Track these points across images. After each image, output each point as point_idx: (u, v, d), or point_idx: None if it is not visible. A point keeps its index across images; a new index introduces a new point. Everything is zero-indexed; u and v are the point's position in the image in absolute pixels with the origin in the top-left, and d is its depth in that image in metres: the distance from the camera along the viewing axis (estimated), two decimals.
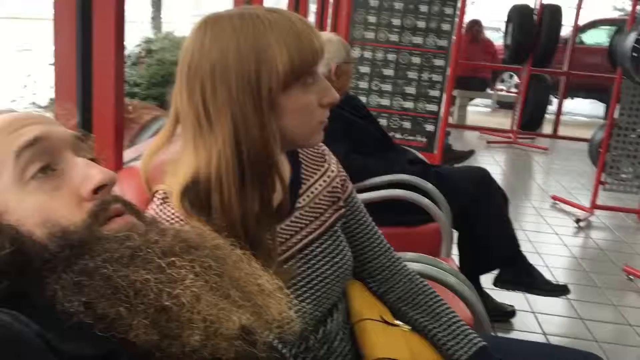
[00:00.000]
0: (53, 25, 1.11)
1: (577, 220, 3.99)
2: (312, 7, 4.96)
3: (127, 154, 1.29)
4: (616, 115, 3.99)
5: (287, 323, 0.64)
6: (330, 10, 5.48)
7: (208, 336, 0.54)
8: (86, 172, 0.63)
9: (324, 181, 1.07)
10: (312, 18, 4.91)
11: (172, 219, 0.90)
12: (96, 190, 0.62)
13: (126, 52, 4.11)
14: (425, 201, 2.01)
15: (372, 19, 3.50)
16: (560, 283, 2.48)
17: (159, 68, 5.23)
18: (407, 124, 3.54)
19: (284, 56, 0.84)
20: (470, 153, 4.90)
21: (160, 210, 0.92)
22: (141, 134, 1.69)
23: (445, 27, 3.46)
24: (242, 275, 0.63)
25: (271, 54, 0.84)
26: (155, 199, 0.94)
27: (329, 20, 5.42)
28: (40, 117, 0.66)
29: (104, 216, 0.62)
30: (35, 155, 0.61)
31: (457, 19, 3.47)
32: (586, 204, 4.18)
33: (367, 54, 3.51)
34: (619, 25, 5.03)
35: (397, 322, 1.11)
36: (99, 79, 1.12)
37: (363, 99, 3.49)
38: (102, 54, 1.11)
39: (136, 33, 6.13)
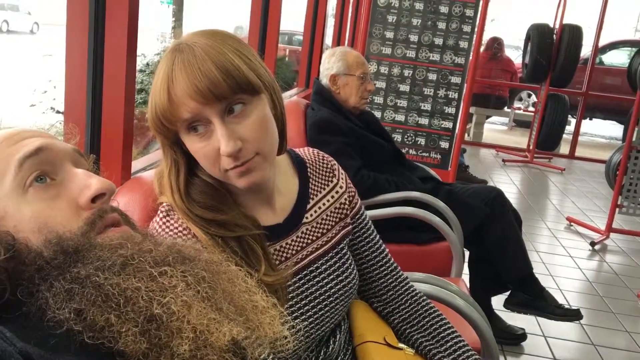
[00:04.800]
0: (65, 33, 1.12)
1: (592, 243, 3.93)
2: (331, 21, 4.98)
3: (136, 164, 1.29)
4: (634, 137, 3.93)
5: (281, 340, 0.63)
6: (348, 25, 5.51)
7: (197, 346, 0.54)
8: (85, 182, 0.64)
9: (332, 197, 1.06)
10: (330, 31, 4.92)
11: (177, 232, 0.90)
12: (94, 200, 0.63)
13: (146, 61, 4.15)
14: (436, 219, 1.98)
15: (389, 34, 3.50)
16: (573, 307, 2.43)
17: None
18: (421, 141, 3.52)
19: (149, 107, 0.87)
20: (483, 182, 4.88)
21: (164, 223, 0.91)
22: (155, 142, 1.70)
23: (463, 44, 3.44)
24: (236, 290, 0.63)
25: (152, 95, 0.86)
26: (159, 212, 0.93)
27: (347, 35, 5.44)
28: (42, 132, 0.69)
29: (100, 224, 0.62)
30: (37, 165, 0.62)
31: (475, 37, 3.45)
32: (602, 226, 4.12)
33: (384, 69, 3.50)
34: (639, 47, 4.99)
35: (401, 345, 1.09)
36: (110, 89, 1.12)
37: (378, 114, 3.48)
38: (114, 63, 1.11)
39: (157, 42, 6.20)
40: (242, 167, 0.86)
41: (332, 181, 1.07)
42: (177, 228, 0.90)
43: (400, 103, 3.50)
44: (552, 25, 6.47)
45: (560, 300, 2.52)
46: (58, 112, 3.68)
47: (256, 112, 0.86)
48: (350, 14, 5.57)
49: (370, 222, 1.13)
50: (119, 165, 1.15)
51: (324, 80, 2.36)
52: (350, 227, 1.07)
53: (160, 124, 0.86)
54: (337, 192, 1.07)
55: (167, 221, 0.91)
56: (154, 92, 0.86)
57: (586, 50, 7.29)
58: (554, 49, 6.29)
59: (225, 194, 0.93)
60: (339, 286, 1.01)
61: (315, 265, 1.00)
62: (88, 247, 0.58)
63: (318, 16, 3.79)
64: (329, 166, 1.09)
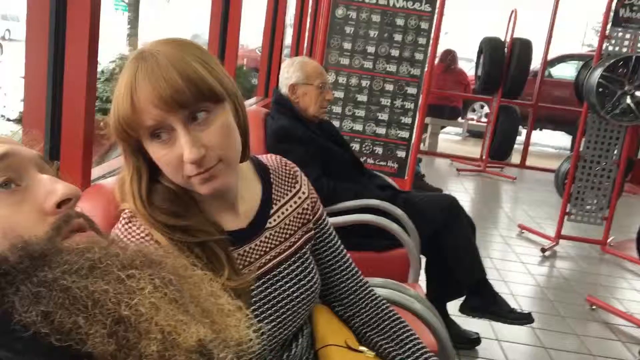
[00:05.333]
0: (25, 39, 1.10)
1: (543, 250, 4.06)
2: (289, 31, 5.02)
3: (96, 171, 1.28)
4: (582, 148, 4.09)
5: (246, 343, 0.65)
6: (306, 35, 5.55)
7: (165, 347, 0.54)
8: (51, 187, 0.65)
9: (295, 202, 1.08)
10: (288, 41, 4.96)
11: (139, 238, 0.90)
12: (60, 205, 0.64)
13: (100, 68, 4.09)
14: (394, 226, 2.03)
15: (347, 45, 3.56)
16: (525, 311, 2.51)
17: None
18: (379, 150, 3.58)
19: (111, 114, 0.87)
20: (439, 190, 4.98)
21: (126, 230, 0.91)
22: (112, 152, 1.67)
23: (419, 56, 3.53)
24: (202, 294, 0.64)
25: (111, 109, 0.87)
26: (121, 218, 0.93)
27: (305, 45, 5.49)
28: (7, 138, 0.68)
29: (66, 229, 0.62)
30: (2, 171, 0.62)
31: (430, 49, 3.54)
32: (552, 233, 4.26)
33: (342, 79, 3.56)
34: (586, 61, 5.20)
35: (362, 347, 1.11)
36: (70, 95, 1.11)
37: (336, 123, 3.52)
38: (74, 69, 1.10)
39: (111, 49, 6.11)
40: (205, 174, 0.87)
41: (294, 187, 1.09)
42: (139, 234, 0.91)
43: (358, 113, 3.56)
44: (503, 39, 6.67)
45: (513, 304, 2.59)
46: (9, 119, 3.58)
47: (219, 120, 0.88)
48: (308, 25, 5.62)
49: (332, 227, 1.15)
50: (79, 173, 1.14)
51: (284, 89, 2.39)
52: (313, 232, 1.09)
53: (122, 131, 0.87)
54: (299, 197, 1.09)
55: (130, 227, 0.92)
56: (116, 100, 0.86)
57: (536, 63, 7.53)
58: (505, 62, 6.49)
59: (188, 200, 0.94)
60: (301, 290, 1.03)
61: (278, 270, 1.01)
62: (55, 251, 0.58)
63: (277, 26, 3.81)
64: (291, 172, 1.11)
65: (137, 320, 0.54)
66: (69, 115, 1.13)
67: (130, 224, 0.92)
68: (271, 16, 3.79)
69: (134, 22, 9.53)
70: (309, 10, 5.55)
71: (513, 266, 3.70)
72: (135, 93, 0.83)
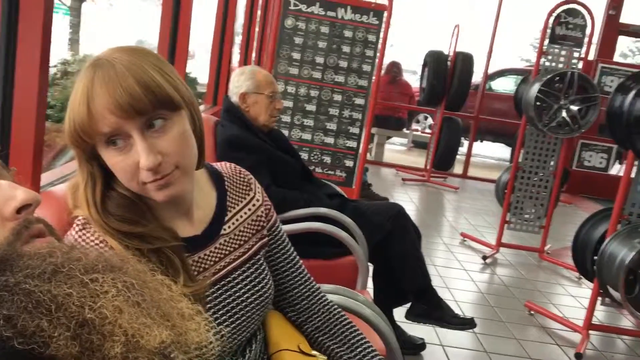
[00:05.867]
0: None
1: (484, 257, 4.19)
2: (238, 39, 5.02)
3: (45, 177, 1.25)
4: (520, 159, 4.26)
5: (206, 346, 0.66)
6: (255, 44, 5.56)
7: (129, 349, 0.55)
8: (10, 193, 0.64)
9: (249, 209, 1.09)
10: (236, 50, 4.95)
11: (93, 245, 0.90)
12: (19, 211, 0.63)
13: None
14: (343, 234, 2.06)
15: (296, 55, 3.59)
16: (468, 317, 2.59)
17: None
18: (327, 159, 3.62)
19: (66, 120, 0.86)
20: (385, 199, 5.08)
21: (80, 237, 0.91)
22: (59, 158, 1.64)
23: (366, 67, 3.60)
24: (162, 298, 0.65)
25: (66, 115, 0.87)
26: (75, 225, 0.93)
27: (254, 54, 5.50)
28: None
29: (26, 235, 0.62)
30: None
31: (377, 61, 3.62)
32: (492, 241, 4.40)
33: (291, 89, 3.59)
34: (524, 75, 5.45)
35: (314, 352, 1.14)
36: (21, 100, 1.09)
37: (285, 132, 3.54)
38: (25, 73, 1.09)
39: (52, 54, 5.95)
40: (162, 181, 0.88)
41: (249, 194, 1.11)
42: (93, 241, 0.91)
43: (307, 122, 3.60)
44: (446, 53, 6.88)
45: (456, 310, 2.67)
46: None
47: (176, 127, 0.89)
48: (257, 34, 5.64)
49: (285, 234, 1.17)
50: (29, 179, 1.12)
51: (234, 97, 2.39)
52: (267, 239, 1.11)
53: (78, 137, 0.86)
54: (254, 205, 1.10)
55: (84, 234, 0.91)
56: (72, 106, 0.86)
57: (477, 77, 7.79)
58: (448, 74, 6.69)
59: (143, 207, 0.94)
60: (255, 296, 1.04)
61: (232, 276, 1.03)
62: (16, 256, 0.58)
63: (226, 34, 3.81)
64: (245, 180, 1.12)
65: (101, 323, 0.55)
66: (19, 121, 1.11)
67: (84, 231, 0.91)
68: (220, 24, 3.79)
69: (76, 27, 9.28)
70: (257, 19, 5.57)
71: (456, 273, 3.81)
72: (92, 100, 0.83)
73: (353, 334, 1.17)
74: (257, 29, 5.63)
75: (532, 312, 3.30)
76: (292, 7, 3.58)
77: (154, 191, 0.89)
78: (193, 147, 0.93)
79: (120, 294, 0.58)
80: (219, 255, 1.02)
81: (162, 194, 0.90)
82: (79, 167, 0.93)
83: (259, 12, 5.59)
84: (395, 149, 9.50)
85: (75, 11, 9.86)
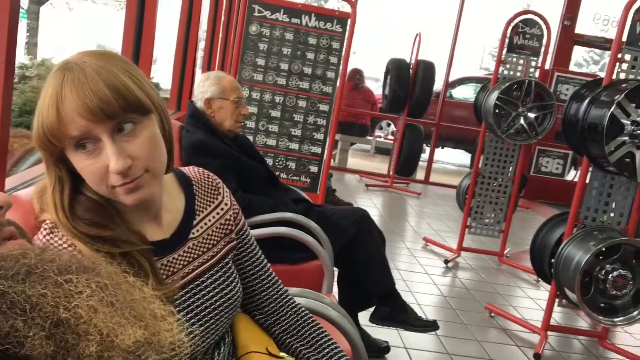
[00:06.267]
0: None
1: (446, 261, 4.27)
2: (201, 45, 5.00)
3: (10, 181, 1.23)
4: (480, 164, 4.36)
5: (179, 347, 0.67)
6: (218, 50, 5.55)
7: (104, 348, 0.56)
8: None
9: (218, 213, 1.10)
10: (199, 56, 4.93)
11: (62, 249, 0.90)
12: None
13: None
14: (309, 239, 2.08)
15: (261, 61, 3.61)
16: (431, 319, 2.63)
17: (33, 95, 4.99)
18: (292, 165, 3.64)
19: (35, 123, 0.87)
20: (349, 204, 5.12)
21: (47, 241, 0.91)
22: (20, 164, 1.62)
23: (330, 74, 3.64)
24: (135, 299, 0.66)
25: (34, 118, 0.87)
26: (42, 229, 0.92)
27: (217, 59, 5.48)
28: None
29: None
30: None
31: (341, 68, 3.66)
32: (454, 245, 4.49)
33: (255, 95, 3.60)
34: (483, 83, 5.60)
35: (282, 354, 1.15)
36: None
37: (250, 138, 3.54)
38: None
39: None
40: (131, 184, 0.89)
41: (217, 198, 1.12)
42: (61, 245, 0.90)
43: (271, 128, 3.61)
44: (408, 60, 6.99)
45: (419, 313, 2.72)
46: None
47: (146, 131, 0.89)
48: (220, 39, 5.62)
49: (253, 238, 1.19)
50: None
51: (199, 103, 2.39)
52: (235, 242, 1.12)
53: (46, 141, 0.86)
54: (222, 208, 1.11)
55: (52, 238, 0.91)
56: (41, 109, 0.86)
57: (438, 85, 7.94)
58: (410, 82, 6.79)
59: (111, 211, 0.94)
60: (224, 299, 1.05)
61: (201, 279, 1.03)
62: None
63: (190, 39, 3.80)
64: (214, 184, 1.13)
65: (75, 323, 0.55)
66: None
67: (52, 235, 0.91)
68: (184, 29, 3.77)
69: (34, 30, 9.08)
70: (221, 25, 5.55)
71: (419, 277, 3.87)
72: (62, 103, 0.84)
73: (320, 336, 1.18)
74: (220, 35, 5.61)
75: (492, 314, 3.38)
76: (256, 14, 3.59)
77: (123, 195, 0.90)
78: (162, 151, 0.94)
79: (95, 294, 0.59)
80: (187, 258, 1.02)
81: (131, 198, 0.90)
82: (46, 170, 0.92)
83: (222, 18, 5.58)
84: (359, 155, 9.58)
85: (33, 14, 9.64)
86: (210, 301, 1.03)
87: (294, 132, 3.62)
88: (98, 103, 0.83)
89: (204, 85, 2.39)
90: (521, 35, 4.22)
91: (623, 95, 2.55)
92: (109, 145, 0.86)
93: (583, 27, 7.97)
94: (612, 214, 2.94)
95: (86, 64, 0.86)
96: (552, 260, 2.99)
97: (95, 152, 0.86)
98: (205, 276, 1.04)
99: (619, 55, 2.79)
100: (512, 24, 4.24)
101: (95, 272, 0.63)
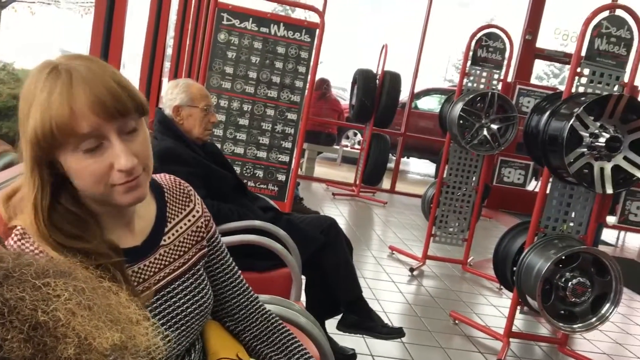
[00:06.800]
0: None
1: (411, 270, 4.32)
2: (169, 51, 4.97)
3: None
4: (445, 174, 4.44)
5: (154, 351, 0.68)
6: (186, 57, 5.52)
7: (81, 351, 0.57)
8: None
9: (189, 220, 1.11)
10: (167, 63, 4.91)
11: (33, 255, 0.89)
12: None
13: None
14: (278, 247, 2.09)
15: (229, 69, 3.61)
16: (397, 327, 2.66)
17: None
18: (259, 173, 3.65)
19: (37, 121, 0.86)
20: (316, 213, 5.15)
21: (19, 247, 0.90)
22: None
23: (299, 83, 3.67)
24: (111, 303, 0.67)
25: (32, 117, 0.86)
26: (13, 235, 0.92)
27: (184, 67, 5.45)
28: None
29: None
30: None
31: (309, 77, 3.69)
32: (419, 254, 4.55)
33: (224, 103, 3.60)
34: (448, 95, 5.72)
35: None
36: None
37: (218, 146, 3.53)
38: None
39: None
40: (133, 182, 0.90)
41: (188, 206, 1.12)
42: (33, 251, 0.90)
43: (239, 136, 3.61)
44: (375, 71, 7.07)
45: (385, 321, 2.75)
46: None
47: (142, 131, 0.93)
48: (187, 47, 5.60)
49: (224, 245, 1.20)
50: None
51: (167, 110, 2.39)
52: (206, 249, 1.13)
53: (49, 139, 0.85)
54: (193, 216, 1.12)
55: (23, 244, 0.90)
56: (46, 107, 0.85)
57: (404, 96, 8.05)
58: (377, 92, 6.88)
59: (88, 221, 0.94)
60: (195, 306, 1.06)
61: (172, 286, 1.04)
62: None
63: (157, 45, 3.78)
64: (185, 191, 1.14)
65: (54, 326, 0.56)
66: None
67: (23, 241, 0.90)
68: (151, 35, 3.75)
69: None
70: (189, 32, 5.53)
71: (384, 285, 3.91)
72: (74, 100, 0.84)
73: (290, 342, 1.20)
74: (188, 42, 5.59)
75: (456, 321, 3.43)
76: (225, 22, 3.60)
77: (122, 194, 0.91)
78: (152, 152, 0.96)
79: (73, 297, 0.60)
80: (158, 265, 1.03)
81: (130, 196, 0.92)
82: (30, 173, 0.90)
83: (189, 25, 5.56)
84: (326, 164, 9.63)
85: None
86: (182, 308, 1.04)
87: (262, 140, 3.63)
88: (112, 100, 0.85)
89: (173, 93, 2.39)
90: (485, 49, 4.33)
91: (582, 108, 2.64)
92: (118, 144, 0.87)
93: (544, 41, 8.20)
94: (571, 224, 3.03)
95: (86, 66, 0.87)
96: (514, 268, 3.06)
97: (98, 151, 0.87)
98: (177, 283, 1.05)
99: (578, 70, 2.89)
100: (476, 37, 4.34)
101: (72, 277, 0.63)
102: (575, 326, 2.88)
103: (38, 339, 0.55)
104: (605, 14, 2.90)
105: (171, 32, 4.95)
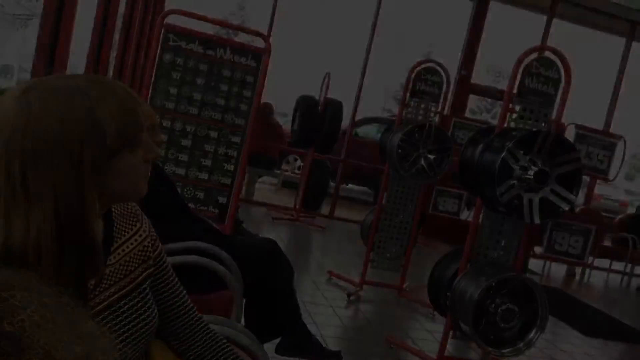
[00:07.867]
0: None
1: (349, 295, 4.37)
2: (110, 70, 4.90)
3: None
4: (384, 201, 4.55)
5: None
6: (128, 76, 5.46)
7: None
8: None
9: (136, 240, 1.12)
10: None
11: None
12: None
13: None
14: (220, 268, 2.10)
15: (173, 90, 3.60)
16: (335, 350, 2.70)
17: None
18: (200, 195, 3.63)
19: (112, 130, 0.87)
20: (256, 236, 5.15)
21: None
22: None
23: (243, 107, 3.69)
24: (72, 317, 0.68)
25: (99, 129, 0.86)
26: None
27: (127, 84, 5.38)
28: None
29: None
30: None
31: (254, 101, 3.72)
32: (357, 279, 4.61)
33: (166, 123, 3.57)
34: (388, 124, 5.88)
35: None
36: None
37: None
38: None
39: None
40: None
41: (135, 225, 1.13)
42: None
43: (181, 157, 3.59)
44: (317, 98, 7.19)
45: (323, 344, 2.78)
46: None
47: None
48: (129, 65, 5.53)
49: (170, 264, 1.21)
50: None
51: None
52: (153, 269, 1.14)
53: (126, 138, 0.92)
54: (140, 235, 1.13)
55: None
56: (108, 118, 0.88)
57: (345, 123, 8.20)
58: (319, 119, 6.98)
59: None
60: (141, 324, 1.06)
61: (118, 305, 1.04)
62: None
63: (100, 63, 3.73)
64: (132, 211, 1.15)
65: (20, 336, 0.57)
66: None
67: None
68: (95, 51, 3.71)
69: None
70: (132, 50, 5.48)
71: (322, 309, 3.94)
72: (135, 101, 0.93)
73: None
74: (130, 60, 5.52)
75: (392, 345, 3.50)
76: (171, 42, 3.60)
77: (144, 184, 0.99)
78: None
79: (37, 310, 0.60)
80: (104, 285, 1.03)
81: (146, 188, 1.00)
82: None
83: (132, 44, 5.51)
84: (266, 188, 9.63)
85: None
86: (128, 327, 1.04)
87: (204, 162, 3.62)
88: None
89: None
90: (423, 82, 4.50)
91: (512, 142, 2.79)
92: (148, 137, 0.98)
93: (478, 77, 8.59)
94: (501, 252, 3.17)
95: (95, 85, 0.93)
96: (448, 294, 3.16)
97: (134, 149, 0.94)
98: (122, 302, 1.05)
99: (510, 106, 3.06)
100: (416, 71, 4.51)
101: (35, 290, 0.64)
102: (504, 350, 3.00)
103: (2, 349, 0.56)
104: (535, 55, 3.10)
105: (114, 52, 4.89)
